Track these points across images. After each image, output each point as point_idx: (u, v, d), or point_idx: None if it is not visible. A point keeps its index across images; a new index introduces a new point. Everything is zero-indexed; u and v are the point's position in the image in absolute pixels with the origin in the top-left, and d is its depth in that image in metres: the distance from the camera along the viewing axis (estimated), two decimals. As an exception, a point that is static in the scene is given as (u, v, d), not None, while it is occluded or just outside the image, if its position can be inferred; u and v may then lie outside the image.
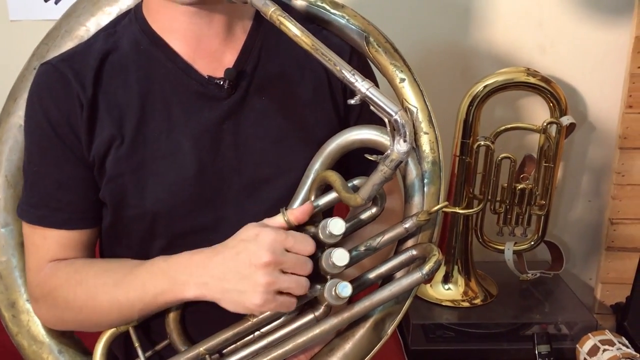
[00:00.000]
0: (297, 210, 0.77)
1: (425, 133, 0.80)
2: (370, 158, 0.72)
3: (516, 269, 1.60)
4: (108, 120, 0.83)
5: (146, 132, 0.84)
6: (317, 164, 0.82)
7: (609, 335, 1.43)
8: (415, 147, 0.80)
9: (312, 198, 0.79)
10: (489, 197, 1.51)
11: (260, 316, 0.79)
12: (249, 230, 0.77)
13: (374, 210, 0.79)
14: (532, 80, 1.46)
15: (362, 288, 0.80)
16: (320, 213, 0.78)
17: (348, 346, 0.81)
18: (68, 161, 0.84)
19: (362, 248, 0.78)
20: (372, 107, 0.68)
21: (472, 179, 1.50)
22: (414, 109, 0.78)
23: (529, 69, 1.47)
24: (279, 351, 0.79)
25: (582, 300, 1.57)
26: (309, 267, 0.75)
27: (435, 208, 0.76)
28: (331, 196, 0.78)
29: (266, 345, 0.80)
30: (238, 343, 0.81)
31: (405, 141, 0.67)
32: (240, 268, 0.75)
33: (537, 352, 1.40)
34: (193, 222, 0.85)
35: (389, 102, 0.67)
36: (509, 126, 1.49)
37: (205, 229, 0.86)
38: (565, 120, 1.46)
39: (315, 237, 0.75)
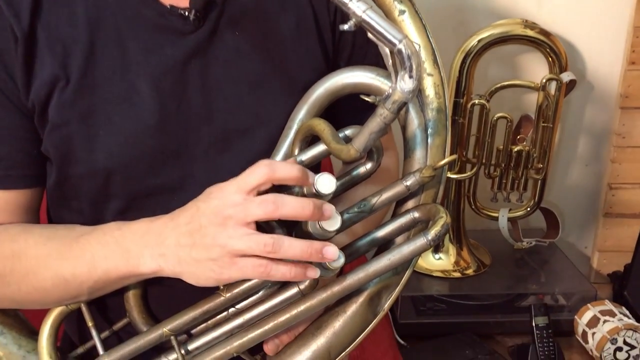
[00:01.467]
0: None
1: (429, 75, 0.68)
2: (366, 99, 0.60)
3: (511, 237, 1.54)
4: (49, 58, 0.71)
5: (96, 72, 0.72)
6: (301, 113, 0.71)
7: (609, 306, 1.37)
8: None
9: (296, 152, 0.67)
10: (483, 161, 1.44)
11: (235, 290, 0.68)
12: (211, 188, 0.65)
13: (369, 165, 0.68)
14: (530, 33, 1.38)
15: (354, 257, 0.69)
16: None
17: (338, 324, 0.70)
18: (1, 106, 0.72)
19: (356, 209, 0.67)
20: (370, 35, 0.56)
21: (465, 141, 1.43)
22: (416, 46, 0.67)
23: (526, 21, 1.39)
24: (258, 331, 0.68)
25: (580, 269, 1.52)
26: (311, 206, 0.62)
27: (442, 162, 0.65)
28: (318, 149, 0.66)
29: (242, 324, 0.69)
30: (209, 322, 0.70)
31: (411, 77, 0.56)
32: (194, 232, 0.63)
33: (534, 325, 1.33)
34: (154, 180, 0.73)
35: (392, 27, 0.55)
36: (505, 84, 1.42)
37: (170, 188, 0.74)
38: (566, 76, 1.38)
39: (303, 196, 0.63)
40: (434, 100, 0.68)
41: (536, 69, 1.50)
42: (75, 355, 0.74)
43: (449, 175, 1.43)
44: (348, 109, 0.74)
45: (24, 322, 0.75)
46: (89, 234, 0.71)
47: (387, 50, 0.56)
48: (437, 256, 1.49)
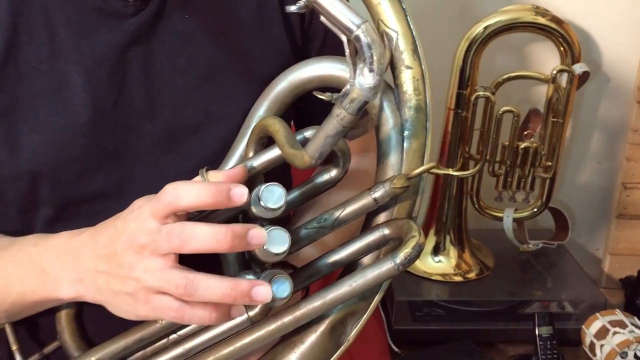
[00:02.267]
0: (222, 173, 0.56)
1: (408, 67, 0.59)
2: (320, 97, 0.51)
3: (516, 239, 1.46)
4: None
5: (19, 60, 0.64)
6: (261, 110, 0.63)
7: (619, 316, 1.28)
8: (392, 86, 0.60)
9: (250, 155, 0.59)
10: (488, 157, 1.35)
11: None
12: (136, 202, 0.57)
13: (333, 172, 0.60)
14: (540, 20, 1.29)
15: (316, 278, 0.61)
16: (259, 176, 0.58)
17: (295, 357, 0.62)
18: None
19: (315, 224, 0.58)
20: (323, 19, 0.47)
21: (469, 136, 1.34)
22: (394, 34, 0.58)
23: (537, 7, 1.30)
24: None
25: (589, 274, 1.44)
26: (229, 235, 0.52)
27: (417, 171, 0.56)
28: (272, 153, 0.58)
29: (183, 354, 0.61)
30: (147, 349, 0.62)
31: (372, 71, 0.47)
32: (110, 258, 0.55)
33: (537, 334, 1.25)
34: (88, 185, 0.65)
35: (349, 10, 0.46)
36: (513, 75, 1.33)
37: (106, 195, 0.67)
38: (578, 68, 1.29)
39: (246, 213, 0.55)
40: (412, 98, 0.59)
41: (546, 59, 1.41)
42: None
43: (451, 172, 1.36)
44: (316, 106, 0.65)
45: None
46: (5, 249, 0.63)
47: (343, 38, 0.47)
48: (437, 259, 1.42)
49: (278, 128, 0.56)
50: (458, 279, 1.39)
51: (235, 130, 0.65)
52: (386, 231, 0.59)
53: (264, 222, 0.54)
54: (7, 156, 0.64)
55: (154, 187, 0.58)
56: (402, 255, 0.54)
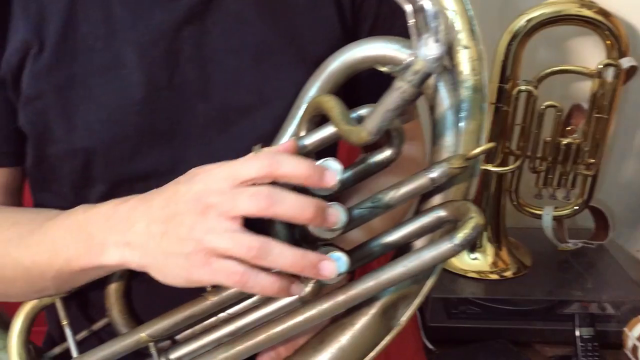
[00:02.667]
0: (275, 148, 0.55)
1: (465, 47, 0.57)
2: (382, 69, 0.50)
3: (555, 238, 1.43)
4: (22, 20, 0.63)
5: (76, 37, 0.64)
6: (312, 90, 0.62)
7: None
8: (449, 67, 0.58)
9: (302, 134, 0.57)
10: (528, 154, 1.33)
11: (224, 294, 0.58)
12: (197, 169, 0.55)
13: (388, 152, 0.58)
14: (586, 12, 1.25)
15: (366, 261, 0.59)
16: (311, 155, 0.57)
17: (345, 338, 0.60)
18: None
19: (369, 204, 0.56)
20: None
21: (510, 131, 1.32)
22: (451, 13, 0.56)
23: None
24: (249, 342, 0.59)
25: (631, 275, 1.39)
26: (313, 206, 0.52)
27: (477, 151, 0.54)
28: (326, 131, 0.56)
29: (233, 333, 0.60)
30: (196, 327, 0.62)
31: (437, 41, 0.45)
32: (168, 219, 0.53)
33: (578, 335, 1.22)
34: (141, 163, 0.65)
35: None
36: (556, 69, 1.29)
37: (159, 173, 0.66)
38: (626, 62, 1.26)
39: (302, 189, 0.53)
40: (470, 78, 0.57)
41: (591, 53, 1.37)
42: (51, 355, 0.66)
43: (490, 168, 1.33)
44: (369, 86, 0.64)
45: (-1, 315, 0.68)
46: (54, 218, 0.63)
47: (407, 8, 0.45)
48: (473, 256, 1.39)
49: (333, 105, 0.54)
50: (494, 277, 1.37)
51: (286, 111, 0.64)
52: (442, 213, 0.57)
53: (316, 197, 0.53)
54: (62, 133, 0.64)
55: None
56: (461, 236, 0.51)
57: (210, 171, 0.53)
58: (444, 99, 0.57)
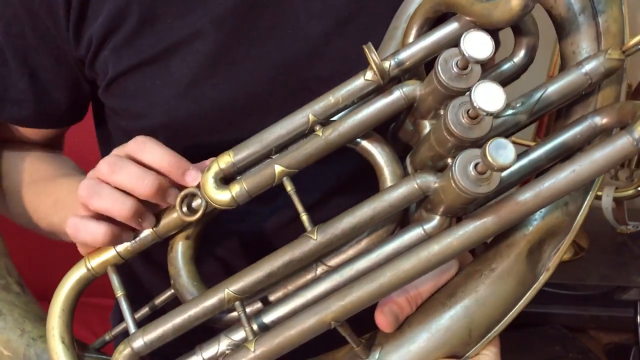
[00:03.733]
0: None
1: None
2: None
3: (614, 220, 1.35)
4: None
5: (157, 13, 0.61)
6: (411, 7, 0.53)
7: None
8: None
9: (411, 40, 0.50)
10: (591, 130, 1.24)
11: (329, 231, 0.49)
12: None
13: (518, 57, 0.50)
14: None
15: (511, 186, 0.50)
16: (418, 68, 0.51)
17: (482, 288, 0.50)
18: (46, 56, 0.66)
19: (509, 111, 0.48)
20: None
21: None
22: None
23: None
24: (362, 291, 0.48)
25: (694, 262, 1.33)
26: (143, 181, 0.52)
27: (635, 40, 0.46)
28: (449, 27, 0.48)
29: (339, 286, 0.49)
30: (289, 287, 0.53)
31: None
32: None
33: (639, 323, 1.16)
34: (222, 139, 0.61)
35: None
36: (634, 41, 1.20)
37: None
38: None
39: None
40: None
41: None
42: (101, 342, 0.57)
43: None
44: None
45: (29, 303, 0.58)
46: (70, 176, 0.68)
47: None
48: (526, 236, 1.33)
49: None
50: (549, 259, 1.31)
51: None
52: (598, 119, 0.47)
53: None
54: (143, 109, 0.63)
55: None
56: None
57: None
58: None
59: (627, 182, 1.31)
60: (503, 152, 0.40)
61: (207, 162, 0.53)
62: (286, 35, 0.62)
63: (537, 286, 0.51)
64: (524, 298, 0.50)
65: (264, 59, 0.62)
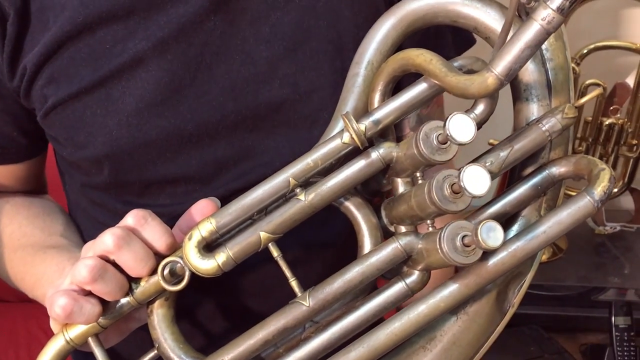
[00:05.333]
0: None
1: None
2: None
3: (592, 220, 1.39)
4: (39, 31, 0.60)
5: (94, 38, 0.60)
6: (369, 51, 0.53)
7: None
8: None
9: (376, 105, 0.52)
10: (568, 133, 1.26)
11: (319, 295, 0.52)
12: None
13: (479, 109, 0.50)
14: (634, -17, 1.19)
15: None
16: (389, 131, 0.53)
17: (458, 330, 0.54)
18: None
19: (488, 164, 0.50)
20: None
21: (549, 109, 1.25)
22: None
23: None
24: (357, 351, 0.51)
25: (671, 261, 1.36)
26: (145, 264, 0.51)
27: (586, 98, 0.52)
28: (417, 89, 0.50)
29: (327, 347, 0.52)
30: (281, 349, 0.55)
31: None
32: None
33: (613, 324, 1.17)
34: (169, 168, 0.61)
35: None
36: (600, 45, 1.23)
37: (188, 177, 0.62)
38: (677, 38, 1.19)
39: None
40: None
41: (636, 28, 1.32)
42: None
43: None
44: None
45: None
46: (58, 248, 0.66)
47: None
48: (505, 238, 1.34)
49: (430, 57, 0.47)
50: (527, 260, 1.33)
51: (325, 104, 0.59)
52: (555, 170, 0.51)
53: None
54: (84, 138, 0.61)
55: (239, 168, 0.56)
56: (599, 190, 0.46)
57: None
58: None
59: (604, 184, 1.34)
60: (493, 235, 0.44)
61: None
62: (234, 60, 0.60)
63: (504, 322, 0.56)
64: (493, 334, 0.56)
65: (212, 85, 0.60)
